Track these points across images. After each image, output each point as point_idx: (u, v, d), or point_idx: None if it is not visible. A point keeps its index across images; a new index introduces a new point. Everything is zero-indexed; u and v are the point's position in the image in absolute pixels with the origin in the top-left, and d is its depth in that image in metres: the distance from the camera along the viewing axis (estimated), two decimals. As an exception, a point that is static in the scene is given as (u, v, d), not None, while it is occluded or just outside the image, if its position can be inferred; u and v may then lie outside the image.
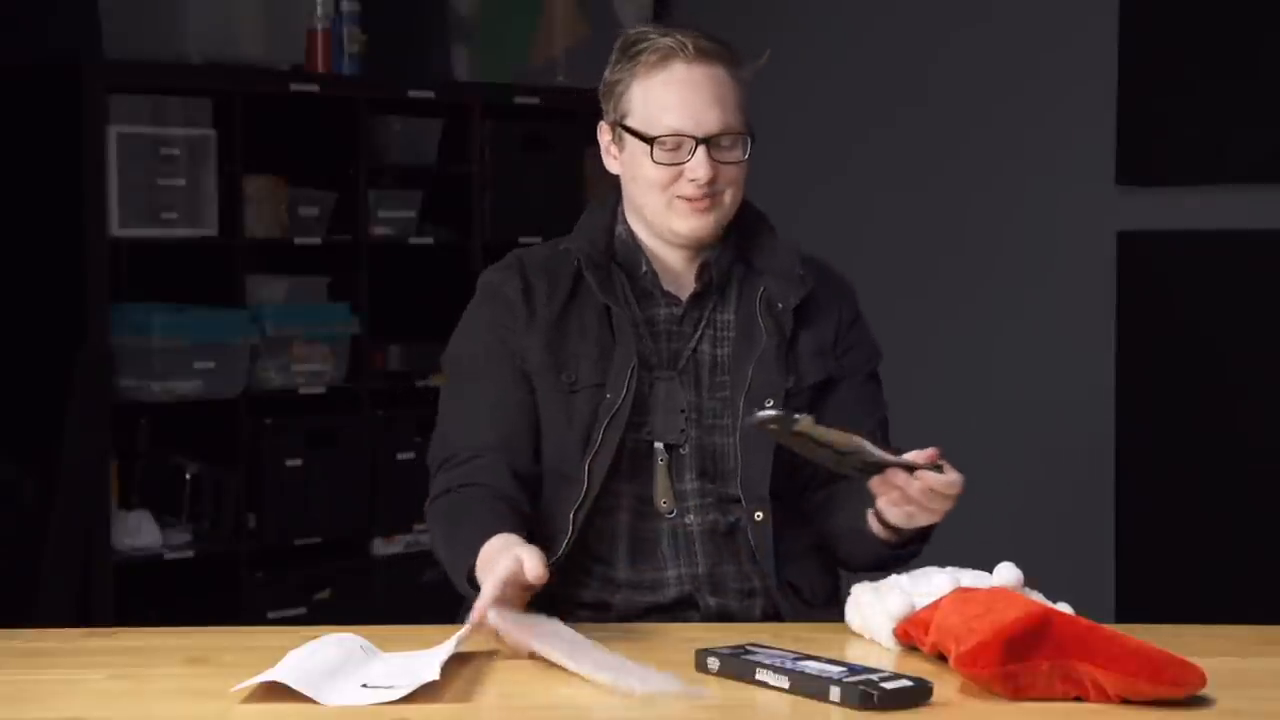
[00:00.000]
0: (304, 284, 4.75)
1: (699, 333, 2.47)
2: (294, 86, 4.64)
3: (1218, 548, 4.54)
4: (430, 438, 2.51)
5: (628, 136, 2.45)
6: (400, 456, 4.73)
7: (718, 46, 2.44)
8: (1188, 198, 4.57)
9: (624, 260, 2.49)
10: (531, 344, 2.44)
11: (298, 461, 4.61)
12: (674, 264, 2.49)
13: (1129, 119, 4.65)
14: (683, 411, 2.43)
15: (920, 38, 5.05)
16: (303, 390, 4.66)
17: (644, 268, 2.48)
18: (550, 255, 2.50)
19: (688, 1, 5.29)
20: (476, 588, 2.18)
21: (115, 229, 4.33)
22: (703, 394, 2.45)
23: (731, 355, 2.46)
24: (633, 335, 2.42)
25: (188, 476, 4.51)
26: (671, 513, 2.40)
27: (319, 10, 4.74)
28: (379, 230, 4.80)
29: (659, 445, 2.40)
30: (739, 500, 2.42)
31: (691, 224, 2.44)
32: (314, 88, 4.67)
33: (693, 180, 2.41)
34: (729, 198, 2.45)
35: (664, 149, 2.41)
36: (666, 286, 2.49)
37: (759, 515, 2.41)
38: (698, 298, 2.48)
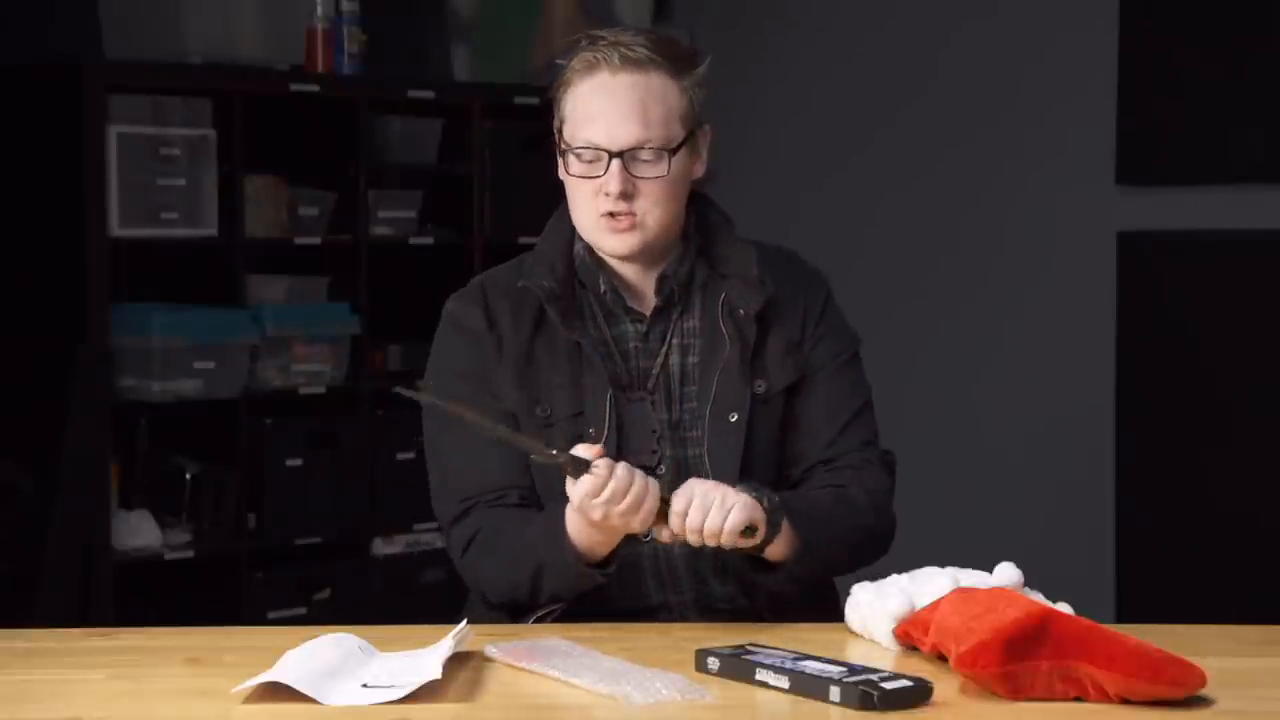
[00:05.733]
0: (304, 284, 4.75)
1: (666, 346, 2.39)
2: (294, 86, 4.64)
3: (1218, 548, 4.54)
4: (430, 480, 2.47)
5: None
6: (400, 456, 4.72)
7: (652, 55, 2.31)
8: (1188, 198, 4.57)
9: (586, 279, 2.40)
10: (503, 379, 2.37)
11: (298, 461, 4.61)
12: (632, 277, 2.40)
13: (1129, 119, 4.65)
14: (654, 432, 2.36)
15: (920, 38, 5.05)
16: (303, 390, 4.66)
17: (603, 287, 2.40)
18: (514, 281, 2.41)
19: (688, 2, 5.29)
20: (581, 561, 2.22)
21: (115, 229, 4.33)
22: (674, 408, 2.37)
23: (698, 365, 2.38)
24: (602, 361, 2.35)
25: (188, 476, 4.51)
26: (647, 537, 2.27)
27: (319, 10, 4.73)
28: (379, 230, 4.80)
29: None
30: None
31: (613, 242, 2.34)
32: (314, 88, 4.67)
33: (607, 194, 2.31)
34: (652, 218, 2.33)
35: (581, 161, 2.34)
36: (630, 302, 2.40)
37: None
38: (661, 311, 2.39)
